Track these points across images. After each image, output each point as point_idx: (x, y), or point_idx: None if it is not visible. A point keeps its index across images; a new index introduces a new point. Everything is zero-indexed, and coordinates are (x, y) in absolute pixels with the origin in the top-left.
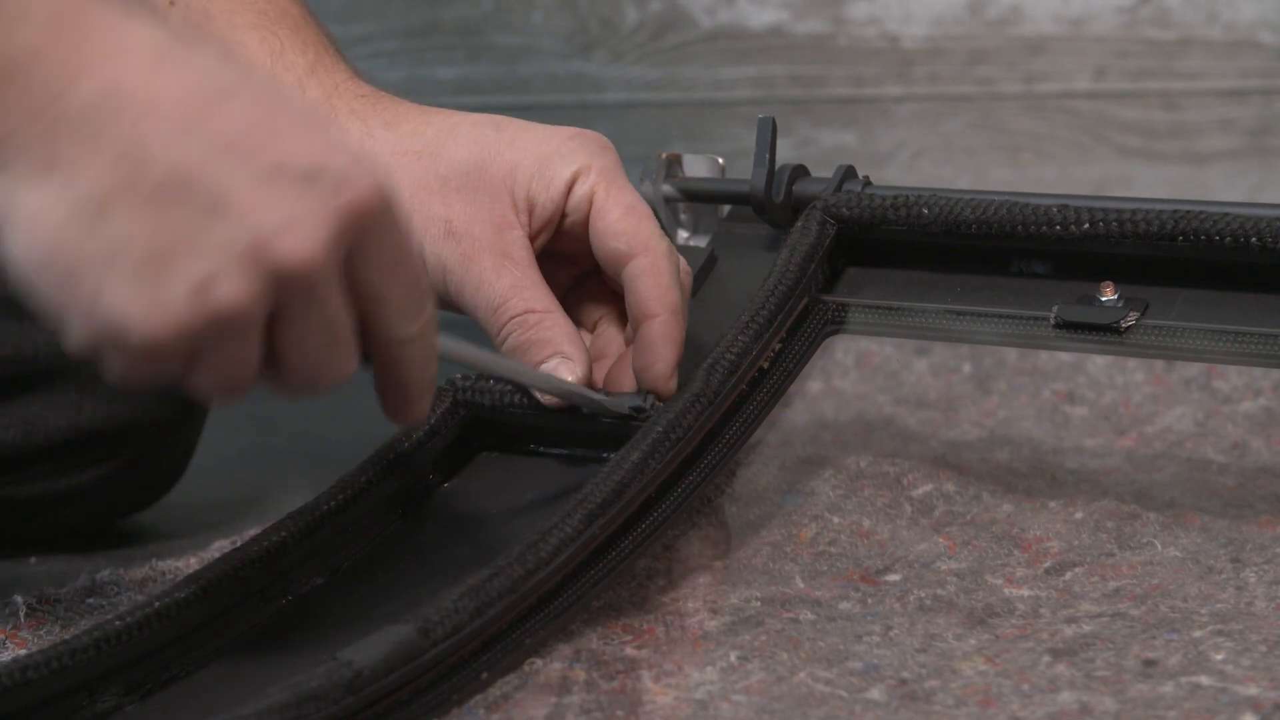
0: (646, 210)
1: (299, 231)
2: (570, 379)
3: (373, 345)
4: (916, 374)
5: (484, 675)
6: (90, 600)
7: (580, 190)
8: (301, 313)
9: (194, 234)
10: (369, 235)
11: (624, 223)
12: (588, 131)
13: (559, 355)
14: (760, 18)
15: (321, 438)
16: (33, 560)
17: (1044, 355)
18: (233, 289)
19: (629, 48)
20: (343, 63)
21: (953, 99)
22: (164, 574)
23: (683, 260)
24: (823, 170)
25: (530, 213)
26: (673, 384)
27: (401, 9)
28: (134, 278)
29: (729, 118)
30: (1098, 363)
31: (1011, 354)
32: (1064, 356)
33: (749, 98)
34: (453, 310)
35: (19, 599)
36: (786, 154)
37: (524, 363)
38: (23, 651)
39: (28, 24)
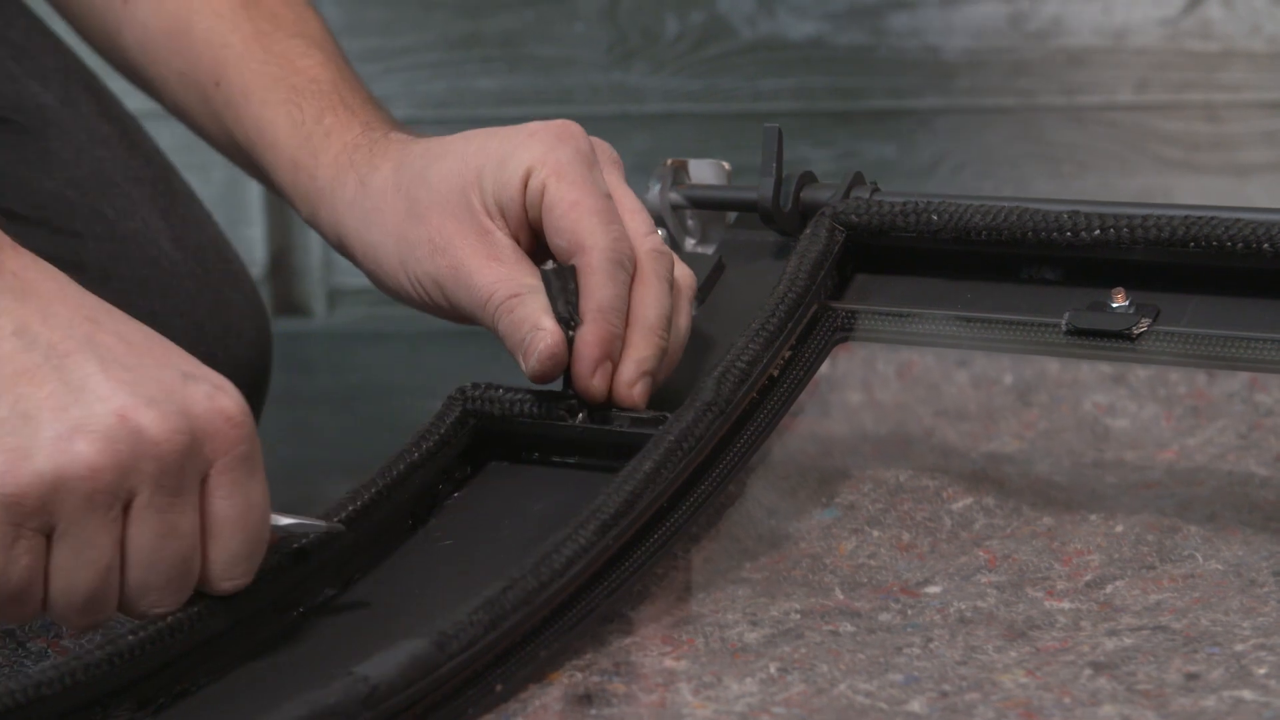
0: (595, 204)
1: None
2: (541, 346)
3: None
4: (957, 385)
5: (499, 688)
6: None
7: (533, 186)
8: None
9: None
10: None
11: (565, 220)
12: (552, 123)
13: (535, 328)
14: (801, 29)
15: (360, 449)
16: None
17: (1085, 367)
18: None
19: (669, 58)
20: (357, 116)
21: (994, 111)
22: None
23: (680, 265)
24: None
25: (503, 214)
26: (596, 384)
27: (443, 21)
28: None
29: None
30: (1139, 375)
31: (1053, 365)
32: (1105, 368)
33: (789, 109)
34: (457, 320)
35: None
36: (827, 166)
37: (516, 341)
38: (61, 660)
39: None
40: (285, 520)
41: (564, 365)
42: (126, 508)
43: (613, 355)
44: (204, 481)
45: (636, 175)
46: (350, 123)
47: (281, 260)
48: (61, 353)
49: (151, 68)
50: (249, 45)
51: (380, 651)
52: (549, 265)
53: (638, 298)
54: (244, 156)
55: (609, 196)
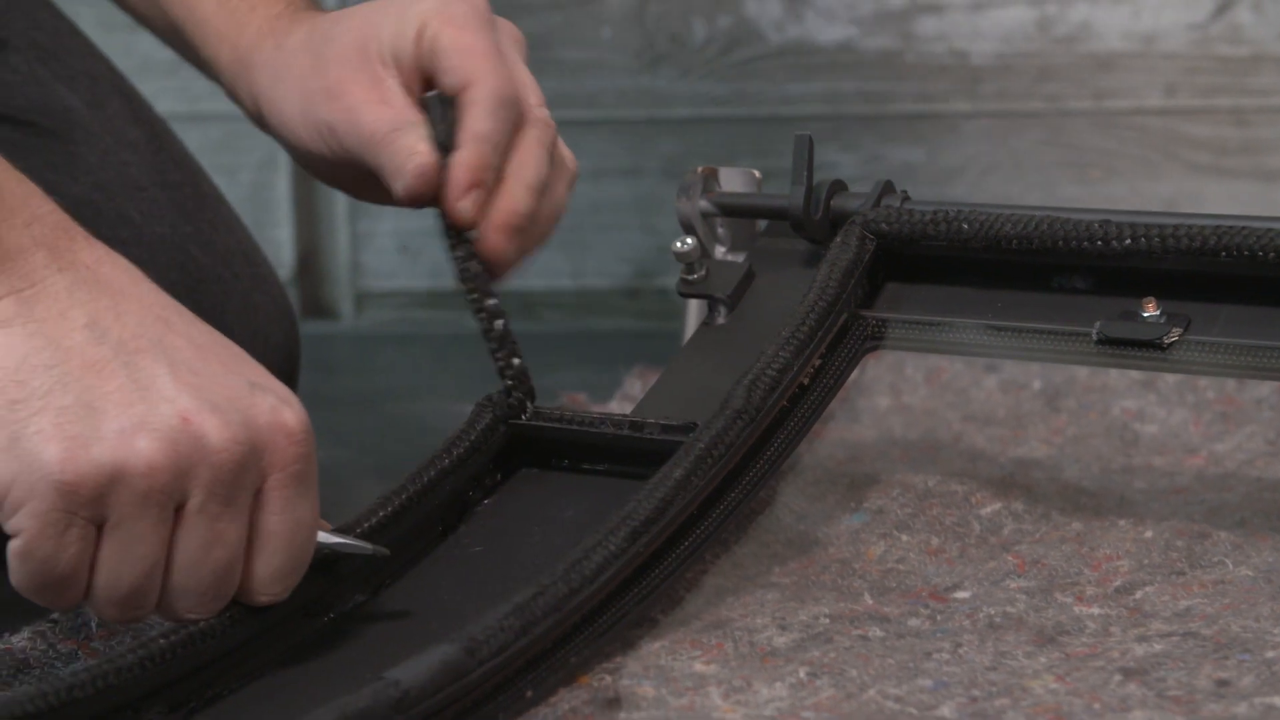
0: (485, 48)
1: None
2: (411, 165)
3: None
4: (985, 391)
5: (529, 694)
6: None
7: (427, 35)
8: None
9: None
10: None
11: (454, 59)
12: None
13: (411, 153)
14: (829, 34)
15: (391, 451)
16: None
17: (1114, 372)
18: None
19: (697, 63)
20: None
21: (1022, 115)
22: None
23: (564, 146)
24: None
25: (397, 64)
26: (463, 206)
27: None
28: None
29: (799, 133)
30: (1168, 381)
31: (1082, 371)
32: (1134, 374)
33: (817, 113)
34: (349, 165)
35: (90, 611)
36: (854, 170)
37: (393, 167)
38: (93, 662)
39: (30, 230)
40: (331, 540)
41: (434, 187)
42: (178, 510)
43: (485, 184)
44: (257, 494)
45: (665, 180)
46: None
47: (309, 262)
48: (132, 350)
49: None
50: None
51: (411, 657)
52: (432, 93)
53: (518, 159)
54: (177, 37)
55: (501, 50)
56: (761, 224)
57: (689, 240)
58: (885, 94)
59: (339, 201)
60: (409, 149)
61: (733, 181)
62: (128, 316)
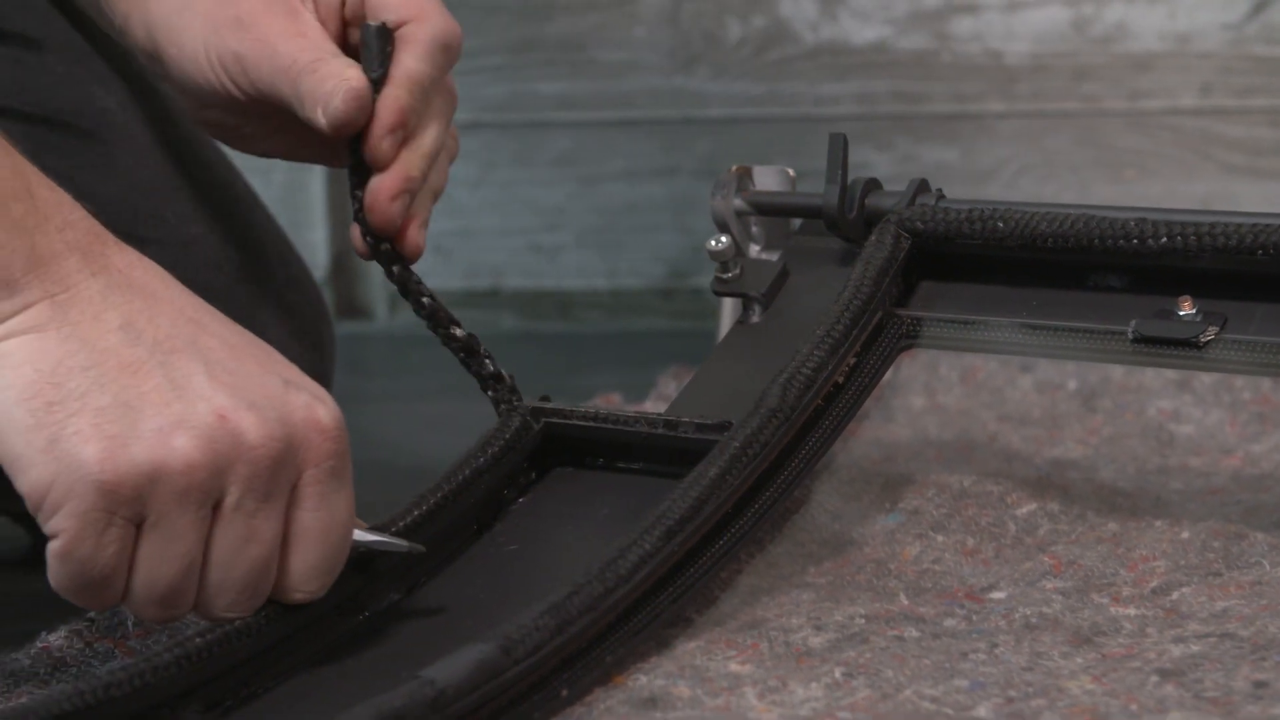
0: (426, 28)
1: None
2: (345, 89)
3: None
4: (1021, 390)
5: (564, 693)
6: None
7: None
8: None
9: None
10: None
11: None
12: None
13: (341, 79)
14: (863, 34)
15: (424, 453)
16: None
17: (1149, 372)
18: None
19: (732, 63)
20: None
21: (1056, 116)
22: None
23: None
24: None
25: (315, 1)
26: (384, 145)
27: (504, 24)
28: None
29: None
30: (1204, 381)
31: (1117, 370)
32: (1169, 374)
33: (851, 113)
34: (258, 102)
35: (127, 610)
36: (888, 170)
37: (320, 94)
38: (130, 660)
39: (63, 235)
40: (367, 537)
41: (367, 114)
42: (215, 507)
43: (408, 128)
44: (293, 490)
45: (700, 180)
46: None
47: (343, 263)
48: (167, 350)
49: None
50: None
51: (446, 656)
52: (373, 24)
53: (423, 123)
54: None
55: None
56: (795, 222)
57: (724, 239)
58: (920, 94)
59: None
60: (337, 74)
61: (767, 180)
62: (161, 318)
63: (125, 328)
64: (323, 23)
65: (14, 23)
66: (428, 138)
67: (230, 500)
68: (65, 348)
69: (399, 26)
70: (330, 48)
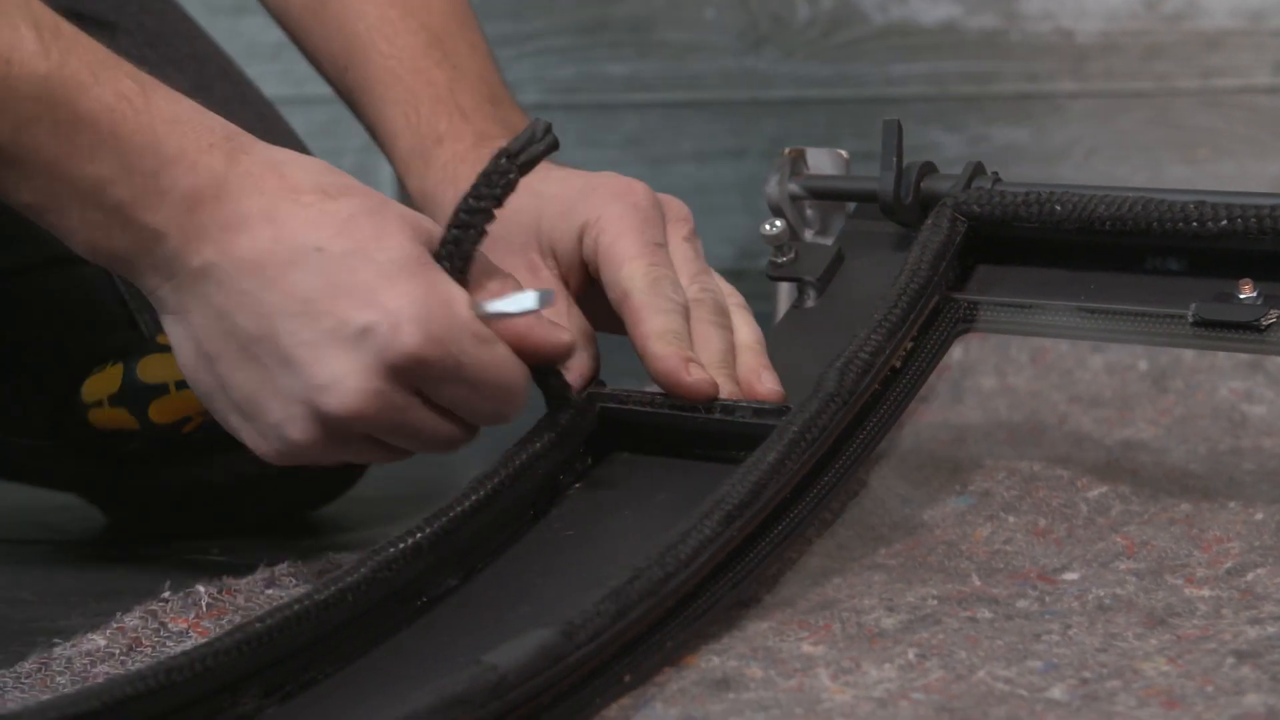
0: (638, 251)
1: (343, 387)
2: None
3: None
4: (1091, 371)
5: (626, 678)
6: (269, 592)
7: (588, 242)
8: (394, 426)
9: (272, 383)
10: (423, 379)
11: (609, 272)
12: (610, 180)
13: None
14: (932, 13)
15: (494, 434)
16: (214, 551)
17: (1221, 354)
18: (297, 433)
19: (800, 44)
20: (471, 123)
21: (1128, 95)
22: (339, 567)
23: (736, 295)
24: (997, 168)
25: (555, 257)
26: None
27: (572, 6)
28: (239, 413)
29: (901, 114)
30: (1276, 361)
31: (1188, 351)
32: (1241, 355)
33: (921, 94)
34: None
35: (201, 589)
36: (958, 151)
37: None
38: (204, 640)
39: (165, 204)
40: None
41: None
42: None
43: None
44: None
45: (768, 162)
46: (463, 131)
47: None
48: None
49: (296, 35)
50: (372, 35)
51: (506, 641)
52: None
53: (698, 341)
54: (370, 132)
55: (661, 246)
56: (850, 205)
57: (778, 223)
58: (989, 74)
59: None
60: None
61: (820, 162)
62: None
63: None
64: (564, 277)
65: (88, 6)
66: (712, 348)
67: None
68: None
69: (619, 307)
70: (563, 313)
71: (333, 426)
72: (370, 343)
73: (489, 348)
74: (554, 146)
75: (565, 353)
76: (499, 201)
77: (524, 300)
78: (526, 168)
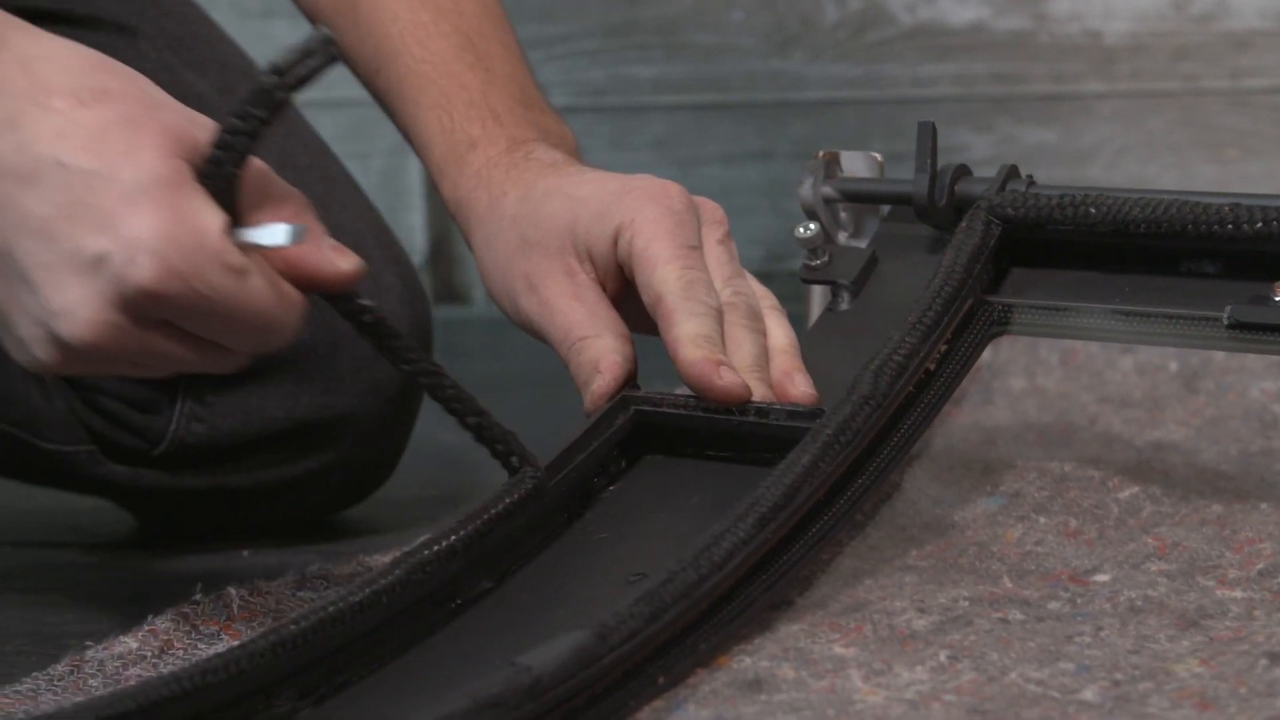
0: (672, 255)
1: (74, 317)
2: (595, 388)
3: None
4: (1121, 372)
5: (660, 680)
6: (300, 594)
7: (623, 245)
8: (138, 356)
9: (16, 299)
10: (166, 310)
11: (644, 275)
12: (645, 182)
13: (595, 371)
14: (961, 15)
15: (522, 436)
16: (245, 553)
17: (1251, 355)
18: (41, 353)
19: (828, 45)
20: (504, 128)
21: (1157, 95)
22: (370, 569)
23: (769, 298)
24: (1026, 168)
25: (591, 261)
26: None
27: (600, 8)
28: None
29: (929, 115)
30: None
31: (1219, 352)
32: (1273, 356)
33: (949, 95)
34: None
35: (233, 591)
36: (987, 152)
37: (578, 380)
38: (235, 643)
39: None
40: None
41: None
42: None
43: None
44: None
45: (796, 163)
46: (496, 136)
47: (441, 248)
48: None
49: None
50: (405, 38)
51: (540, 643)
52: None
53: (731, 346)
54: (404, 135)
55: (695, 249)
56: (884, 208)
57: (812, 226)
58: (1018, 75)
59: None
60: (592, 365)
61: (854, 165)
62: None
63: None
64: (601, 281)
65: (109, 11)
66: (744, 352)
67: None
68: None
69: (653, 310)
70: (599, 319)
71: (71, 353)
72: (104, 272)
73: (240, 279)
74: (331, 61)
75: (343, 280)
76: (265, 122)
77: (275, 234)
78: (299, 85)
